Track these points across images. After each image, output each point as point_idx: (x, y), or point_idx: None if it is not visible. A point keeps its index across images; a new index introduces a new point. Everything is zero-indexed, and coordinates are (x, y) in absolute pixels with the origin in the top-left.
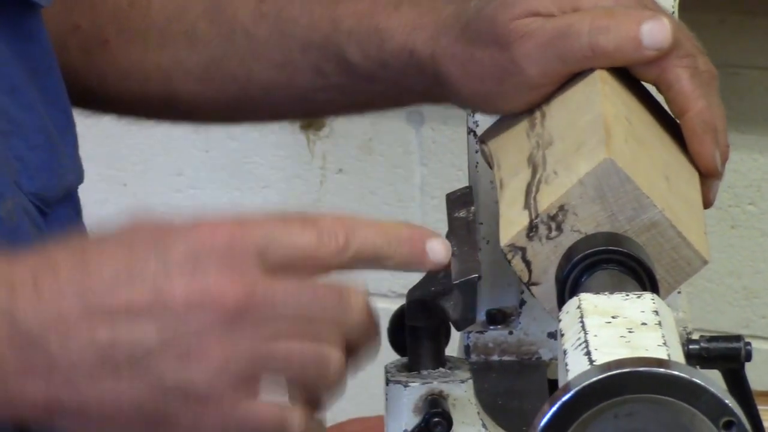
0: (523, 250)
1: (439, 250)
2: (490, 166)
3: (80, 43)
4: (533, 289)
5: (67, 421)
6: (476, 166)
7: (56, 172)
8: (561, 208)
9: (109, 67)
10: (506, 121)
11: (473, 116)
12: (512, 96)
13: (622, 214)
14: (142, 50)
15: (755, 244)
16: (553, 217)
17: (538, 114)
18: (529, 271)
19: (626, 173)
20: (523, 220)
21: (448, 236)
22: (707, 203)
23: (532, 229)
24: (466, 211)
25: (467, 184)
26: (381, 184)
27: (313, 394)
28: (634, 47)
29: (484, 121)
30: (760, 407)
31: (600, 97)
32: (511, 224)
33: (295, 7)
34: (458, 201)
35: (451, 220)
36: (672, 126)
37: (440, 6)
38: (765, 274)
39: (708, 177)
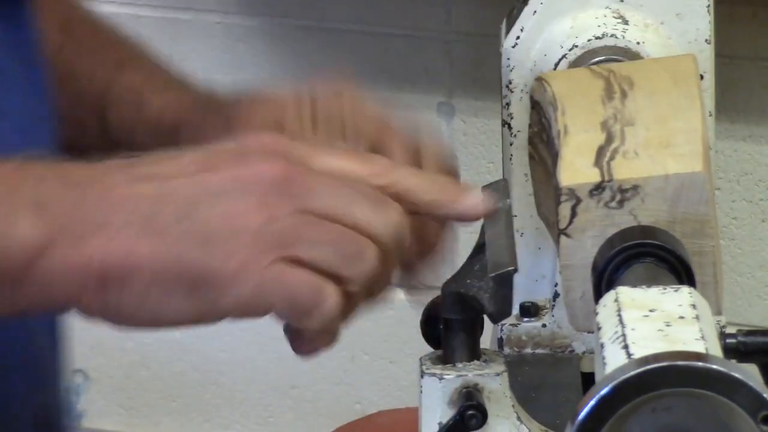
0: (578, 200)
1: (474, 199)
2: (543, 106)
3: None
4: (562, 239)
5: (115, 287)
6: (510, 158)
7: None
8: (635, 187)
9: None
10: (575, 74)
11: (508, 108)
12: None
13: (682, 227)
14: None
15: None
16: (623, 191)
17: (617, 88)
18: (570, 222)
19: (709, 195)
20: (594, 177)
21: (484, 228)
22: None
23: (598, 188)
24: (503, 202)
25: (498, 176)
26: None
27: (351, 282)
28: None
29: (519, 114)
30: None
31: (699, 111)
32: (578, 173)
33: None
34: (494, 192)
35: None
36: None
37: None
38: None
39: None
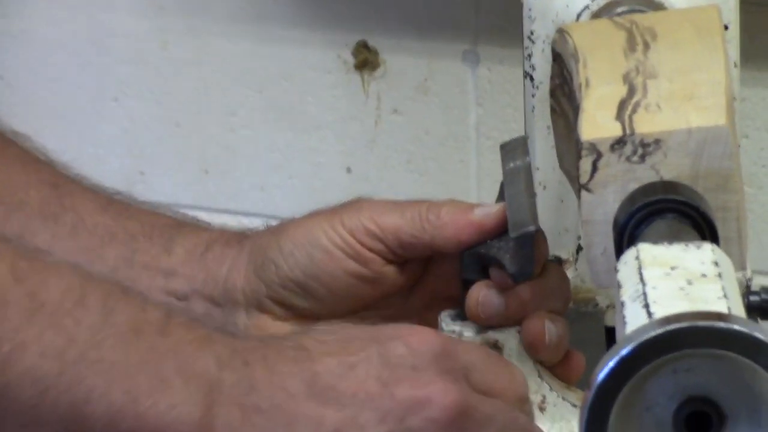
0: (599, 154)
1: None
2: (565, 58)
3: None
4: (583, 194)
5: None
6: (533, 110)
7: None
8: (657, 141)
9: None
10: (597, 26)
11: (530, 60)
12: None
13: (705, 181)
14: None
15: None
16: (645, 145)
17: (639, 40)
18: (591, 177)
19: (732, 149)
20: (615, 131)
21: (503, 187)
22: None
23: (619, 143)
24: (522, 160)
25: (522, 126)
26: (436, 125)
27: None
28: None
29: (541, 65)
30: None
31: (723, 63)
32: (599, 127)
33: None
34: (513, 150)
35: (507, 170)
36: None
37: None
38: None
39: None
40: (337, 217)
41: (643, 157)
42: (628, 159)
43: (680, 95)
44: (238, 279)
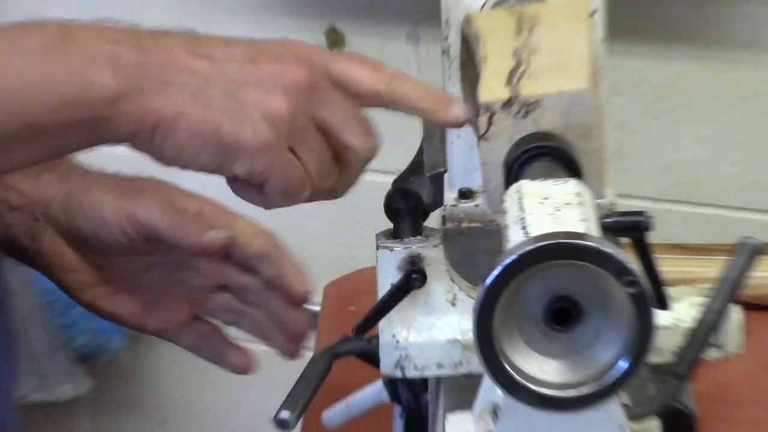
0: (493, 112)
1: (459, 110)
2: (470, 39)
3: None
4: (481, 143)
5: (163, 134)
6: (449, 79)
7: None
8: (537, 102)
9: None
10: (494, 14)
11: (447, 40)
12: None
13: (573, 132)
14: None
15: (673, 133)
16: (528, 105)
17: (525, 25)
18: (487, 129)
19: (594, 106)
20: (505, 94)
21: (424, 139)
22: None
23: (508, 103)
24: None
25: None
26: None
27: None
28: None
29: (455, 45)
30: (673, 256)
31: (587, 42)
32: (493, 91)
33: None
34: None
35: (425, 124)
36: None
37: None
38: (680, 154)
39: None
40: (126, 204)
41: (526, 114)
42: (515, 116)
43: (555, 66)
44: (52, 212)
